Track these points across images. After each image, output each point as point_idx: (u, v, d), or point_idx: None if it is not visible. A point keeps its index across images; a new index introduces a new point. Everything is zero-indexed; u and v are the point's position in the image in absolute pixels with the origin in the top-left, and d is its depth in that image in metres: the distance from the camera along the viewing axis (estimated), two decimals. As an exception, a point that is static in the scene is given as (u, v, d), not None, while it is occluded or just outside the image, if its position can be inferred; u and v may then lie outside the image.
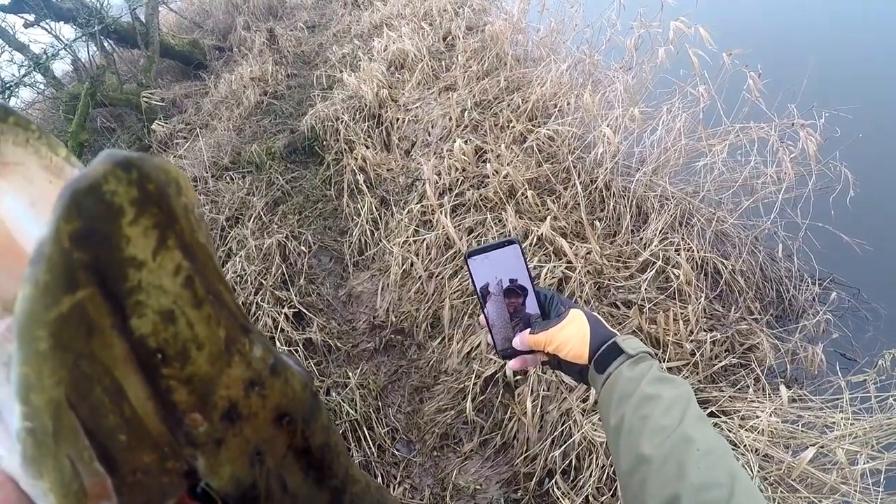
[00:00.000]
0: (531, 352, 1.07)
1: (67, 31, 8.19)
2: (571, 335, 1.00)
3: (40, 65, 7.27)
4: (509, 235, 1.24)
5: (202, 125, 6.88)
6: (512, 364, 1.09)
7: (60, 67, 9.18)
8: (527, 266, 1.05)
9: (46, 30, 7.95)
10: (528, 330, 1.05)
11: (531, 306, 1.07)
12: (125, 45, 9.23)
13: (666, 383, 0.90)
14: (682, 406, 0.86)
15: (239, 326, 0.37)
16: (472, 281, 1.07)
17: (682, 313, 2.96)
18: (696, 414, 0.86)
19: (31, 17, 7.68)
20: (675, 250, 3.32)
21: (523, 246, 1.11)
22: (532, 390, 2.89)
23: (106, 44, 8.48)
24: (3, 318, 0.35)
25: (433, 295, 3.61)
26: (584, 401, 2.76)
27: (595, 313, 1.05)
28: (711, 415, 2.57)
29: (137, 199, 0.29)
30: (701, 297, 3.10)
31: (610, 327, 1.02)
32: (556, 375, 2.85)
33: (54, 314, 0.27)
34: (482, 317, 1.09)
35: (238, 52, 9.18)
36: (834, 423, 2.43)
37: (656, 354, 1.03)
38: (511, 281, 1.06)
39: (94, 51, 8.55)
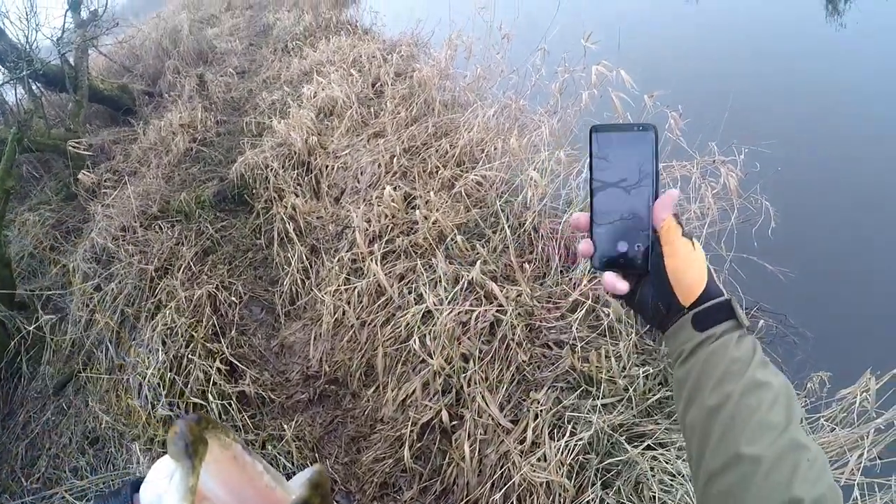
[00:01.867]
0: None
1: (-5, 73, 8.03)
2: (696, 260, 0.84)
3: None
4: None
5: (131, 172, 6.79)
6: (607, 277, 0.89)
7: (-16, 111, 8.95)
8: (657, 162, 0.87)
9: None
10: (671, 197, 0.87)
11: (645, 216, 0.87)
12: (53, 89, 9.02)
13: (769, 368, 0.81)
14: (788, 400, 0.78)
15: None
16: (590, 163, 0.88)
17: (613, 350, 3.00)
18: (800, 414, 0.79)
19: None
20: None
21: (659, 137, 0.88)
22: (469, 434, 2.90)
23: (34, 87, 8.28)
24: None
25: (366, 343, 3.61)
26: (521, 442, 2.77)
27: (710, 266, 0.88)
28: (648, 448, 2.62)
29: (320, 501, 0.53)
30: (632, 333, 3.14)
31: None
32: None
33: None
34: (577, 217, 0.92)
35: (168, 98, 9.13)
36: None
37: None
38: (632, 172, 0.87)
39: (21, 94, 8.35)
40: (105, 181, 6.58)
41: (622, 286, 0.89)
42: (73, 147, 7.05)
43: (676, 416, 2.64)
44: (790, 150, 4.79)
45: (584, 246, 0.90)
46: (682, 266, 0.84)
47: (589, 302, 3.29)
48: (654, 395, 2.91)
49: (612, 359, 2.95)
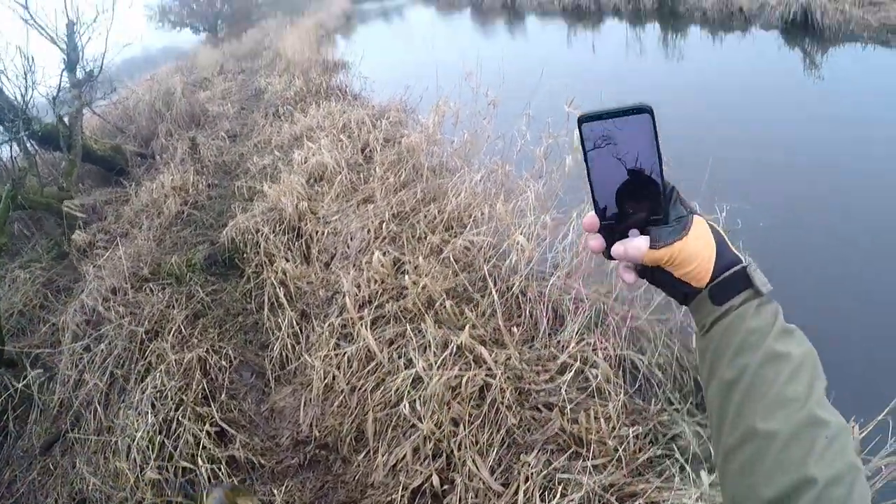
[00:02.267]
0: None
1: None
2: (696, 252, 0.81)
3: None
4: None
5: (122, 234, 6.84)
6: (625, 276, 0.89)
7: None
8: (658, 145, 0.80)
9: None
10: (646, 240, 0.82)
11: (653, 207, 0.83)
12: (47, 147, 9.12)
13: (793, 339, 0.78)
14: (810, 372, 0.75)
15: None
16: (584, 157, 0.82)
17: (603, 411, 3.03)
18: (823, 387, 0.76)
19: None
20: (593, 350, 3.42)
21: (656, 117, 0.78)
22: (460, 498, 2.90)
23: (29, 145, 8.38)
24: None
25: (356, 408, 3.62)
26: (513, 507, 2.78)
27: (718, 228, 0.85)
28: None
29: None
30: (620, 393, 3.17)
31: (735, 250, 0.84)
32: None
33: None
34: (588, 218, 0.87)
35: (160, 160, 9.25)
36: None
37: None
38: (633, 172, 0.82)
39: (16, 151, 8.44)
40: (97, 241, 6.62)
41: (629, 277, 0.89)
42: (68, 208, 7.11)
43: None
44: (770, 205, 4.94)
45: (594, 243, 0.87)
46: (682, 268, 0.82)
47: (577, 364, 3.33)
48: (644, 454, 2.91)
49: (602, 419, 2.98)
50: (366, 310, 4.06)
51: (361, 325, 3.87)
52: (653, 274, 0.87)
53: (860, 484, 0.67)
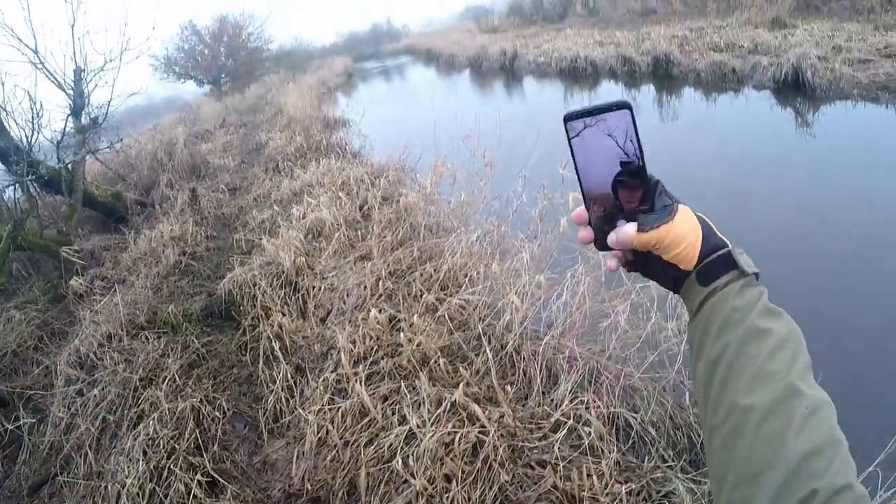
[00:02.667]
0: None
1: (-5, 168, 8.23)
2: (683, 234, 0.85)
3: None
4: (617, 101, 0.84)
5: (119, 280, 6.88)
6: (610, 263, 0.95)
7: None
8: (638, 140, 0.86)
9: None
10: (634, 225, 0.87)
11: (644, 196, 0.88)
12: (49, 190, 9.24)
13: (776, 317, 0.81)
14: (793, 348, 0.77)
15: None
16: (571, 152, 0.88)
17: (596, 468, 3.06)
18: (805, 362, 0.78)
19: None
20: (586, 408, 3.45)
21: (635, 111, 0.85)
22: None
23: (32, 188, 8.46)
24: None
25: (349, 462, 3.64)
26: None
27: (703, 216, 0.90)
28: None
29: None
30: (613, 450, 3.20)
31: (720, 235, 0.89)
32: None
33: None
34: (577, 212, 0.94)
35: (160, 209, 9.34)
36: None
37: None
38: (624, 164, 0.87)
39: (19, 194, 8.52)
40: (94, 287, 6.66)
41: (612, 264, 0.95)
42: (66, 253, 7.16)
43: None
44: (761, 260, 5.02)
45: (584, 233, 0.93)
46: (670, 251, 0.86)
47: (570, 421, 3.37)
48: None
49: (595, 477, 3.01)
50: (361, 366, 4.10)
51: (356, 380, 3.91)
52: (645, 264, 0.93)
53: (840, 457, 0.69)
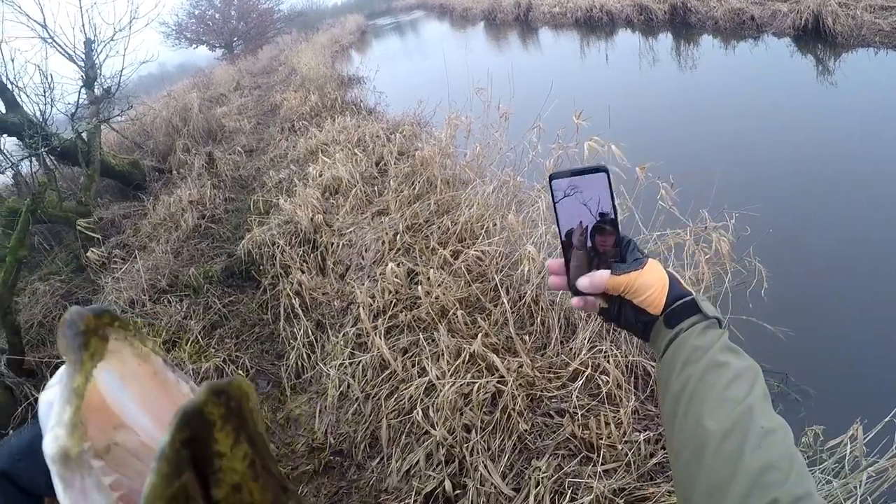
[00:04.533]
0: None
1: (10, 143, 8.24)
2: (651, 281, 0.94)
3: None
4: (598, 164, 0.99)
5: (140, 247, 6.92)
6: (575, 301, 1.01)
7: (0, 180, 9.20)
8: (613, 199, 0.97)
9: (-10, 144, 7.90)
10: (608, 271, 0.96)
11: (613, 246, 0.98)
12: (66, 163, 9.27)
13: (735, 354, 0.87)
14: (750, 379, 0.83)
15: (280, 488, 0.49)
16: (555, 209, 0.99)
17: (613, 417, 3.06)
18: (762, 391, 0.83)
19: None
20: (604, 357, 3.44)
21: (611, 175, 0.97)
22: (472, 503, 2.93)
23: (48, 160, 8.53)
24: (96, 461, 0.48)
25: (370, 415, 3.67)
26: (524, 511, 2.81)
27: (671, 271, 0.99)
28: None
29: (224, 413, 0.43)
30: (631, 399, 3.19)
31: (686, 286, 0.97)
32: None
33: (169, 492, 0.40)
34: (552, 261, 1.03)
35: (177, 175, 9.32)
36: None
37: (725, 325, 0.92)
38: (601, 216, 0.97)
39: (36, 167, 8.57)
40: (114, 255, 6.71)
41: (576, 302, 1.02)
42: (80, 227, 7.19)
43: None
44: (779, 211, 4.95)
45: (557, 280, 1.03)
46: (639, 295, 0.95)
47: (588, 370, 3.36)
48: (654, 459, 2.93)
49: (613, 425, 3.01)
50: (380, 320, 4.11)
51: (375, 334, 3.92)
52: (619, 313, 0.99)
53: (798, 469, 0.73)
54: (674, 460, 0.85)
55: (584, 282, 0.98)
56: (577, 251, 0.99)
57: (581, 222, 0.98)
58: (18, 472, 0.61)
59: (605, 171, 0.96)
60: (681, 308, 0.93)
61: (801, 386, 3.63)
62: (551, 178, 0.98)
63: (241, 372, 4.39)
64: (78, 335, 0.48)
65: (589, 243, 0.99)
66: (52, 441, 0.45)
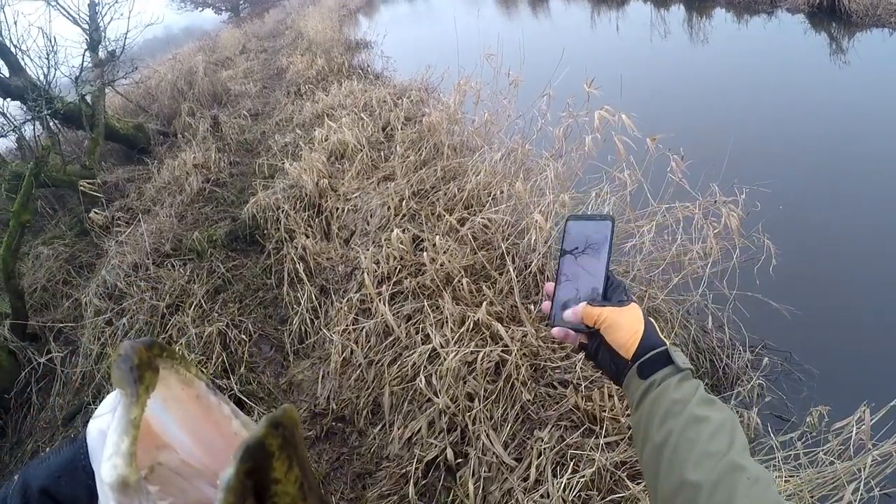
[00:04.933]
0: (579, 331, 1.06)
1: (14, 107, 8.18)
2: (626, 322, 0.98)
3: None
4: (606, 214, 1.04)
5: (144, 210, 6.89)
6: (555, 331, 1.07)
7: (2, 144, 9.16)
8: (611, 243, 1.07)
9: (-8, 106, 7.86)
10: (585, 302, 1.03)
11: (599, 281, 1.07)
12: (70, 126, 9.25)
13: (713, 406, 0.89)
14: (729, 431, 0.85)
15: (320, 500, 0.55)
16: (563, 241, 1.12)
17: (617, 389, 3.00)
18: (742, 442, 0.84)
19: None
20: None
21: (616, 225, 1.14)
22: (474, 472, 2.93)
23: (52, 124, 8.45)
24: (152, 486, 0.51)
25: (373, 382, 3.65)
26: (525, 479, 2.80)
27: (652, 320, 1.03)
28: (649, 488, 2.63)
29: (281, 444, 0.47)
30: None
31: (661, 335, 1.01)
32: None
33: None
34: (549, 285, 1.13)
35: (182, 138, 9.26)
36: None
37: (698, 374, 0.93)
38: (593, 249, 1.08)
39: (39, 131, 8.52)
40: (118, 219, 6.68)
41: (568, 342, 1.07)
42: (83, 187, 7.15)
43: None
44: (790, 188, 4.89)
45: (545, 306, 1.12)
46: (610, 333, 0.99)
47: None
48: None
49: (616, 397, 3.00)
50: (384, 286, 4.08)
51: (380, 300, 3.89)
52: (597, 350, 1.03)
53: None
54: None
55: (568, 313, 1.05)
56: (567, 274, 1.12)
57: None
58: (60, 488, 0.64)
59: (612, 220, 1.09)
60: (654, 358, 0.95)
61: (806, 366, 3.61)
62: (568, 218, 1.14)
63: (244, 337, 4.36)
64: (133, 369, 0.51)
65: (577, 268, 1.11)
66: (112, 470, 0.48)
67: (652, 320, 1.01)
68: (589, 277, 1.08)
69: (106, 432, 0.51)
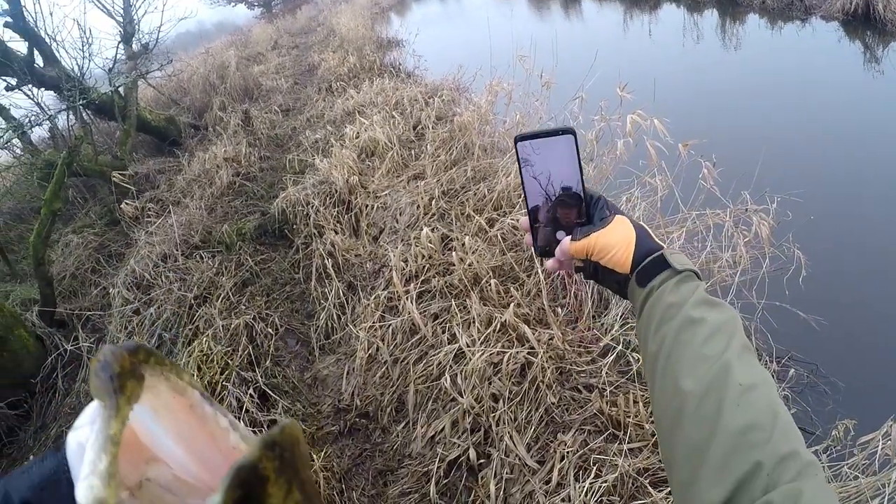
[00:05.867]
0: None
1: (48, 97, 8.33)
2: (615, 241, 0.92)
3: (19, 130, 7.24)
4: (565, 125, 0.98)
5: (174, 202, 6.96)
6: (548, 265, 1.02)
7: (36, 132, 9.27)
8: (579, 162, 0.97)
9: (28, 95, 8.05)
10: (569, 237, 0.97)
11: (576, 217, 0.99)
12: (102, 117, 9.37)
13: (712, 307, 0.84)
14: (728, 333, 0.80)
15: None
16: (520, 170, 0.99)
17: (642, 395, 3.02)
18: (741, 343, 0.79)
19: (13, 81, 7.68)
20: (636, 335, 3.38)
21: (578, 139, 0.97)
22: (496, 473, 2.92)
23: (85, 114, 8.59)
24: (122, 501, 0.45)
25: (398, 380, 3.66)
26: (547, 482, 2.79)
27: (643, 224, 0.96)
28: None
29: (278, 467, 0.40)
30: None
31: (658, 239, 0.95)
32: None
33: None
34: (523, 219, 1.03)
35: (213, 132, 9.35)
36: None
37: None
38: (564, 189, 0.98)
39: (72, 121, 8.64)
40: (148, 209, 6.76)
41: (564, 270, 1.03)
42: (115, 178, 7.23)
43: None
44: (822, 198, 4.83)
45: (528, 238, 1.03)
46: (602, 256, 0.93)
47: (619, 347, 3.32)
48: None
49: (641, 404, 2.97)
50: (412, 284, 4.09)
51: (407, 298, 3.90)
52: (595, 272, 0.98)
53: (781, 427, 0.69)
54: (656, 425, 0.82)
55: (557, 251, 1.00)
56: (543, 226, 1.01)
57: (546, 195, 0.99)
58: (42, 501, 0.59)
59: (573, 132, 0.96)
60: (650, 264, 0.91)
61: (832, 378, 3.55)
62: (517, 139, 0.98)
63: (270, 330, 4.39)
64: (114, 378, 0.45)
65: (553, 213, 1.00)
66: (87, 491, 0.42)
67: (643, 224, 0.96)
68: (571, 221, 0.99)
69: (84, 445, 0.47)
